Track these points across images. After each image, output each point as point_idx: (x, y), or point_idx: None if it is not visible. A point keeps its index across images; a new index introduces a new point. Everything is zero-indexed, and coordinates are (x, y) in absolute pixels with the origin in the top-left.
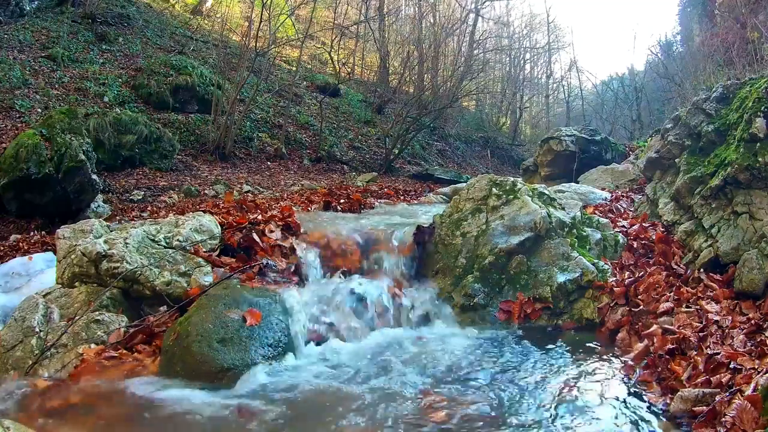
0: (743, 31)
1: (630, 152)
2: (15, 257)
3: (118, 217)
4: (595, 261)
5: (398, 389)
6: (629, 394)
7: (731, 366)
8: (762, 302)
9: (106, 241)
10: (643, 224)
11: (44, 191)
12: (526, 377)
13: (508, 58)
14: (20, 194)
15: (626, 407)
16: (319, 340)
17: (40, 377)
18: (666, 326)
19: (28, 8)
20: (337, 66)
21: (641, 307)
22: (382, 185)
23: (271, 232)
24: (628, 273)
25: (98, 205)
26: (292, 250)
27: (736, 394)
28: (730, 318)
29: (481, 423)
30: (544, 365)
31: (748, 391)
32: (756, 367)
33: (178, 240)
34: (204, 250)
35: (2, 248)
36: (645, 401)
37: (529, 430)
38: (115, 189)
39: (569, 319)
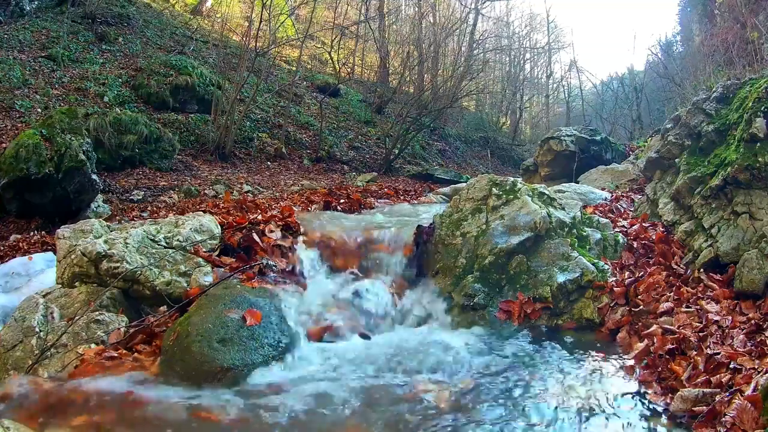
0: (743, 31)
1: (630, 152)
2: (15, 257)
3: (118, 217)
4: (595, 261)
5: (398, 390)
6: (629, 393)
7: (731, 366)
8: (762, 302)
9: (106, 241)
10: (643, 224)
11: (44, 191)
12: (525, 377)
13: (508, 58)
14: (20, 194)
15: (626, 407)
16: (319, 340)
17: (40, 377)
18: (666, 326)
19: (28, 8)
20: (337, 66)
21: (641, 307)
22: (382, 185)
23: (271, 232)
24: (628, 273)
25: (98, 205)
26: (292, 250)
27: (736, 394)
28: (730, 318)
29: (480, 423)
30: (544, 365)
31: (748, 391)
32: (756, 367)
33: (178, 240)
34: (204, 250)
35: (2, 248)
36: (645, 401)
37: (529, 430)
38: (115, 189)
39: (569, 319)
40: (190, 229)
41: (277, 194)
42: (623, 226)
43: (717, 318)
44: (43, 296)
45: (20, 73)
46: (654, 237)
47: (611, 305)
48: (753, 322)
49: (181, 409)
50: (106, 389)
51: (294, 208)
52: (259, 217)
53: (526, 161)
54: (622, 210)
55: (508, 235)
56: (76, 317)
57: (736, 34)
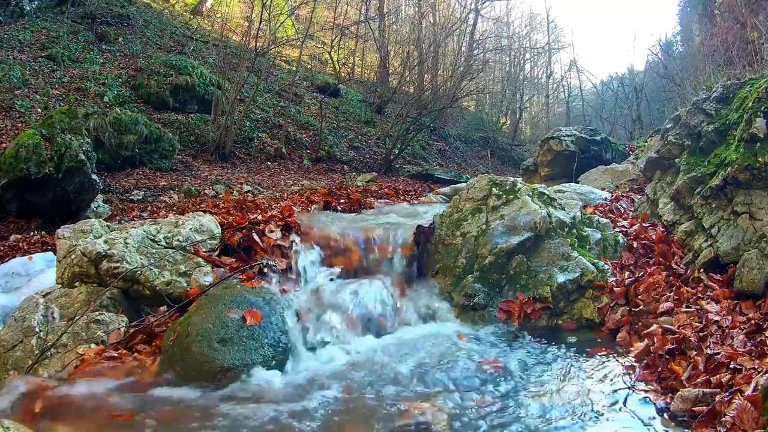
0: (743, 31)
1: (630, 152)
2: (15, 257)
3: (118, 217)
4: (595, 261)
5: (397, 390)
6: (629, 393)
7: (731, 366)
8: (762, 302)
9: (106, 241)
10: (643, 224)
11: (44, 191)
12: (526, 377)
13: (508, 58)
14: (20, 194)
15: (626, 407)
16: (319, 341)
17: (40, 377)
18: (666, 326)
19: (28, 8)
20: (337, 66)
21: (641, 307)
22: (382, 185)
23: (271, 232)
24: (628, 273)
25: (98, 205)
26: (292, 250)
27: (736, 394)
28: (730, 318)
29: (481, 424)
30: (544, 365)
31: (748, 391)
32: (756, 367)
33: (178, 240)
34: (204, 250)
35: (2, 248)
36: (645, 401)
37: (529, 430)
38: (115, 189)
39: (569, 319)
40: (190, 229)
41: (277, 194)
42: (623, 226)
43: (717, 318)
44: (43, 296)
45: (20, 73)
46: (654, 237)
47: (611, 305)
48: (753, 322)
49: (181, 409)
50: (106, 389)
51: (294, 208)
52: (259, 217)
53: (526, 161)
54: (622, 210)
55: (508, 235)
56: (76, 317)
57: (736, 34)
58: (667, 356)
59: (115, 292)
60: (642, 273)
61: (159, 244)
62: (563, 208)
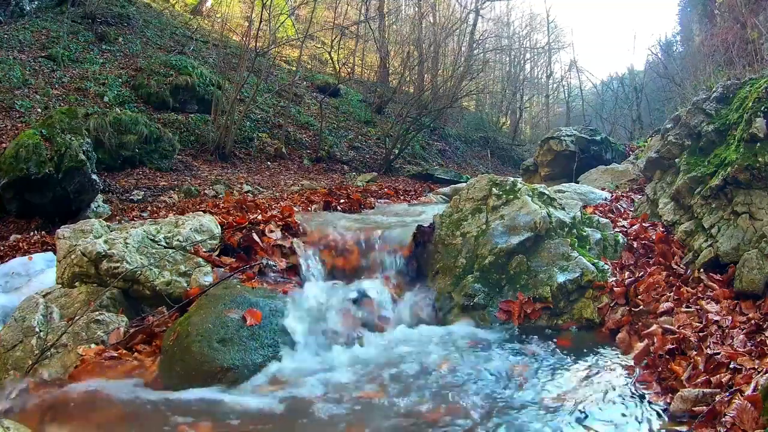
0: (743, 31)
1: (630, 152)
2: (15, 257)
3: (118, 217)
4: (595, 261)
5: (396, 391)
6: (629, 394)
7: (731, 366)
8: (762, 302)
9: (106, 241)
10: (643, 224)
11: (44, 191)
12: (525, 377)
13: (508, 58)
14: (20, 194)
15: (626, 407)
16: (319, 341)
17: (40, 377)
18: (666, 326)
19: (28, 8)
20: (337, 66)
21: (641, 307)
22: (382, 185)
23: (271, 232)
24: (628, 273)
25: (98, 205)
26: (292, 250)
27: (736, 394)
28: (730, 318)
29: (481, 425)
30: (544, 365)
31: (748, 391)
32: (756, 367)
33: (178, 240)
34: (204, 250)
35: (2, 248)
36: (645, 401)
37: (528, 431)
38: (115, 189)
39: (569, 319)
40: (190, 229)
41: (277, 194)
42: (623, 226)
43: (717, 318)
44: (43, 296)
45: (20, 73)
46: (654, 237)
47: (611, 305)
48: (753, 322)
49: (181, 410)
50: (106, 389)
51: (294, 208)
52: (259, 217)
53: (526, 161)
54: (622, 210)
55: (508, 235)
56: (76, 317)
57: (736, 34)
58: (667, 356)
59: (115, 292)
60: (642, 273)
61: (159, 244)
62: (563, 208)
